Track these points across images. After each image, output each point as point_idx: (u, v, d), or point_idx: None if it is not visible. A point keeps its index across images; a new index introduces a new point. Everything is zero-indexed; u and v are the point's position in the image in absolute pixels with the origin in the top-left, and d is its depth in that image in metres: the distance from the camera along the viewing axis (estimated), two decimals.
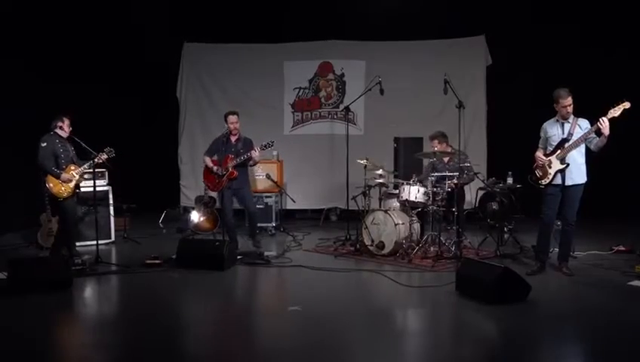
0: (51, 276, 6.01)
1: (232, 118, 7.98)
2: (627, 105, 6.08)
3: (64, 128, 7.51)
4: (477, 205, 9.02)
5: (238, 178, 7.91)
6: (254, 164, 8.20)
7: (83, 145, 7.47)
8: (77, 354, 4.59)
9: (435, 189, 7.62)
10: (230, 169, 7.82)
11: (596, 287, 6.14)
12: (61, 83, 10.06)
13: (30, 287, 5.85)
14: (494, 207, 8.37)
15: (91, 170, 7.65)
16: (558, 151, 6.42)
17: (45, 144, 7.35)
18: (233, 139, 8.02)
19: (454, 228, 7.60)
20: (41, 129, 7.47)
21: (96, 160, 7.53)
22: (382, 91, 8.39)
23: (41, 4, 9.65)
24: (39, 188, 8.03)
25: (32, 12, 9.55)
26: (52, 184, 7.36)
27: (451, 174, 7.65)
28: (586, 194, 6.56)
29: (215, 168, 7.92)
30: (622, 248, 7.76)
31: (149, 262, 7.19)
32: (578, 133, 6.36)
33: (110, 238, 8.86)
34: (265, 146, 7.90)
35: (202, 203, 9.46)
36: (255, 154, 7.82)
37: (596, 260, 7.30)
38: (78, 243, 8.43)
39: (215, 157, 8.07)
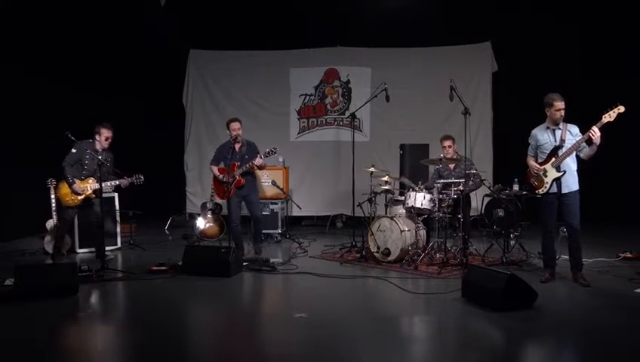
0: (57, 282, 6.02)
1: (234, 125, 8.00)
2: (622, 109, 6.04)
3: (99, 140, 7.61)
4: (483, 212, 9.00)
5: (246, 184, 8.01)
6: (261, 169, 8.21)
7: (108, 165, 7.55)
8: (83, 361, 4.59)
9: (441, 196, 7.61)
10: (237, 177, 7.88)
11: (603, 295, 6.09)
12: (68, 88, 10.11)
13: (36, 294, 5.86)
14: (500, 213, 8.37)
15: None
16: (553, 159, 6.36)
17: (74, 151, 7.50)
18: (237, 146, 8.02)
19: (460, 234, 7.60)
20: (46, 133, 7.51)
21: (117, 182, 7.67)
22: (388, 98, 8.40)
23: (46, 10, 9.69)
24: (46, 194, 8.11)
25: (33, 15, 9.59)
26: (63, 190, 7.58)
27: (457, 181, 7.64)
28: (591, 199, 6.53)
29: (221, 176, 7.98)
30: (629, 255, 7.72)
31: (154, 268, 7.20)
32: (570, 140, 6.32)
33: (116, 245, 8.88)
34: (268, 153, 7.92)
35: (208, 209, 9.47)
36: (259, 161, 7.86)
37: (602, 267, 7.25)
38: (83, 250, 8.50)
39: (222, 165, 8.11)
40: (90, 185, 7.55)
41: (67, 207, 7.65)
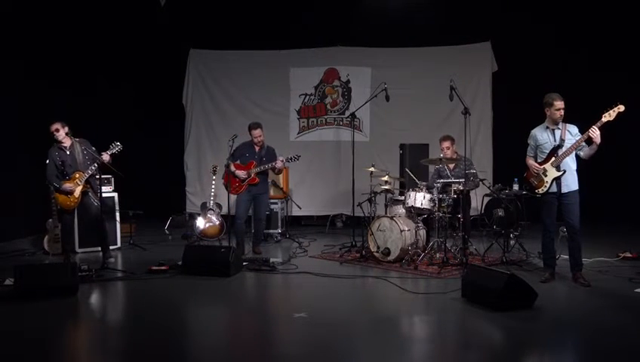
0: (57, 282, 6.02)
1: (256, 133, 8.28)
2: (622, 108, 6.02)
3: (57, 137, 7.44)
4: (483, 211, 9.00)
5: (260, 184, 8.28)
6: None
7: (87, 150, 7.46)
8: (83, 360, 4.59)
9: (440, 196, 7.61)
10: (252, 175, 8.14)
11: (603, 295, 6.09)
12: (68, 90, 10.10)
13: (36, 294, 5.86)
14: (500, 213, 8.36)
15: (98, 174, 7.52)
16: (553, 159, 6.35)
17: (47, 162, 7.42)
18: (257, 147, 8.33)
19: (460, 234, 7.59)
20: (47, 134, 7.49)
21: (98, 162, 7.41)
22: (387, 98, 8.41)
23: (46, 9, 9.69)
24: (46, 194, 8.11)
25: (34, 15, 9.59)
26: (60, 198, 7.49)
27: (457, 180, 7.64)
28: (591, 199, 6.52)
29: (236, 171, 8.19)
30: (628, 255, 7.71)
31: (154, 268, 7.20)
32: (569, 140, 6.32)
33: (116, 244, 8.86)
34: (290, 159, 8.29)
35: (208, 209, 9.46)
36: (279, 164, 8.16)
37: (602, 267, 7.24)
38: (83, 249, 8.49)
39: (238, 162, 8.30)
40: (78, 180, 7.40)
41: (64, 212, 7.57)
